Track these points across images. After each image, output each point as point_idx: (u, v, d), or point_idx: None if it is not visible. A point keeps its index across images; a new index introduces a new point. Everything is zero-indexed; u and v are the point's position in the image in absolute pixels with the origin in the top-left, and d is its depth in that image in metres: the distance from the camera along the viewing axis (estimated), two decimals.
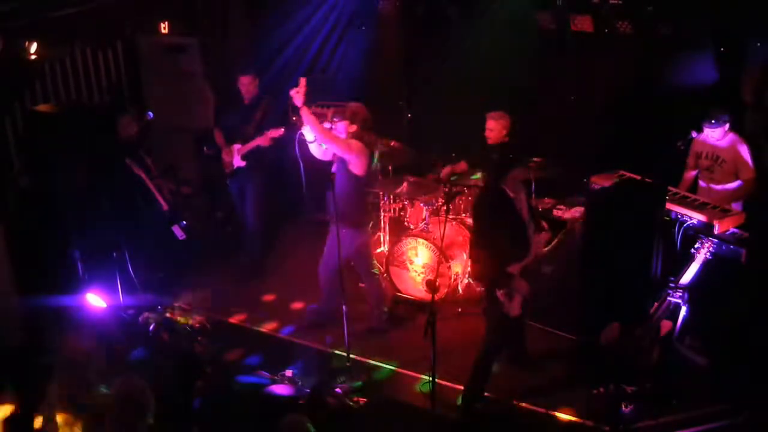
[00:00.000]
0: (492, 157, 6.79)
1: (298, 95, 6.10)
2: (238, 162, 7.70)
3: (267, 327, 7.14)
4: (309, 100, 6.28)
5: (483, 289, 6.22)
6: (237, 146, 7.68)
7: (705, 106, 6.80)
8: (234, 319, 7.30)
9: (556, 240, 6.60)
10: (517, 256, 5.50)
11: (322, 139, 6.26)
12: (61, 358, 4.55)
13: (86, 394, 4.52)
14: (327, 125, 6.42)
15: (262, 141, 7.53)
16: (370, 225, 7.41)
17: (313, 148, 6.46)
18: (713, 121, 6.52)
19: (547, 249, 6.25)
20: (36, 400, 4.58)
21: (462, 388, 5.98)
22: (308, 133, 6.33)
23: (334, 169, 6.46)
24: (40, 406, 4.55)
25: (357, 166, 6.34)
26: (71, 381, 4.54)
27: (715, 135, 6.61)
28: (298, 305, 7.42)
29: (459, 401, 5.90)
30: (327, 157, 6.51)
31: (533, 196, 6.88)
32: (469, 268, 7.27)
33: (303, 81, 6.12)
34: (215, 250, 8.24)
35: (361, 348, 6.58)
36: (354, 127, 6.38)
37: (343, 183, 6.38)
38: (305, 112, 6.16)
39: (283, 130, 7.48)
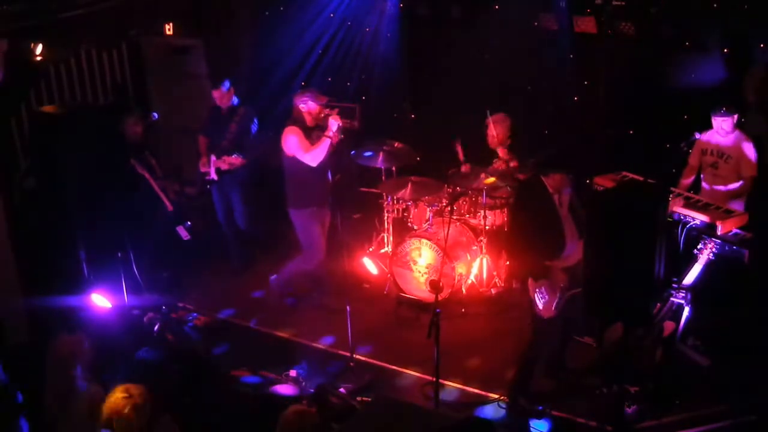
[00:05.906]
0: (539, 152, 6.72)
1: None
2: (213, 174, 7.56)
3: (270, 327, 7.15)
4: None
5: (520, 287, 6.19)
6: (213, 158, 7.53)
7: (707, 108, 6.82)
8: (238, 319, 7.32)
9: None
10: (550, 252, 5.49)
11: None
12: (49, 358, 4.58)
13: (74, 393, 4.54)
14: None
15: (220, 164, 7.47)
16: None
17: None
18: (723, 110, 6.63)
19: None
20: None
21: (464, 387, 6.03)
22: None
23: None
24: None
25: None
26: (59, 380, 4.58)
27: (725, 126, 6.70)
28: (300, 305, 7.45)
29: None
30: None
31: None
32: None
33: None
34: (219, 251, 8.24)
35: (365, 348, 6.60)
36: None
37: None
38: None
39: (242, 160, 7.43)
